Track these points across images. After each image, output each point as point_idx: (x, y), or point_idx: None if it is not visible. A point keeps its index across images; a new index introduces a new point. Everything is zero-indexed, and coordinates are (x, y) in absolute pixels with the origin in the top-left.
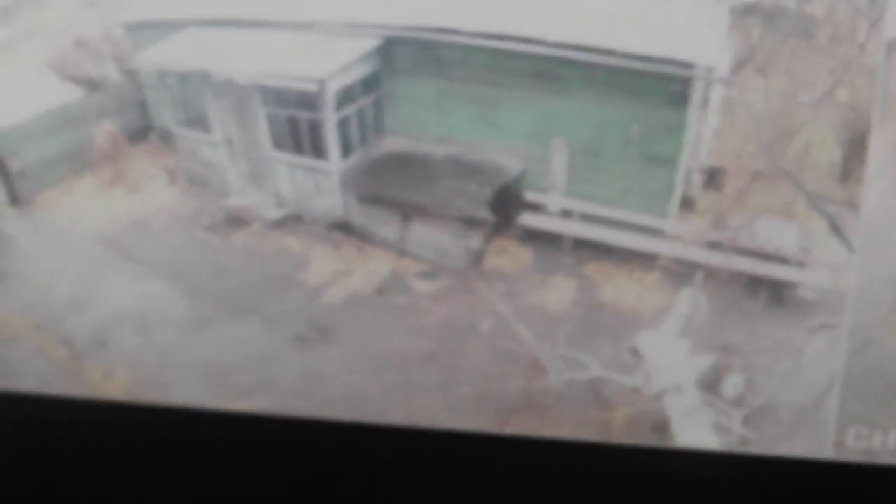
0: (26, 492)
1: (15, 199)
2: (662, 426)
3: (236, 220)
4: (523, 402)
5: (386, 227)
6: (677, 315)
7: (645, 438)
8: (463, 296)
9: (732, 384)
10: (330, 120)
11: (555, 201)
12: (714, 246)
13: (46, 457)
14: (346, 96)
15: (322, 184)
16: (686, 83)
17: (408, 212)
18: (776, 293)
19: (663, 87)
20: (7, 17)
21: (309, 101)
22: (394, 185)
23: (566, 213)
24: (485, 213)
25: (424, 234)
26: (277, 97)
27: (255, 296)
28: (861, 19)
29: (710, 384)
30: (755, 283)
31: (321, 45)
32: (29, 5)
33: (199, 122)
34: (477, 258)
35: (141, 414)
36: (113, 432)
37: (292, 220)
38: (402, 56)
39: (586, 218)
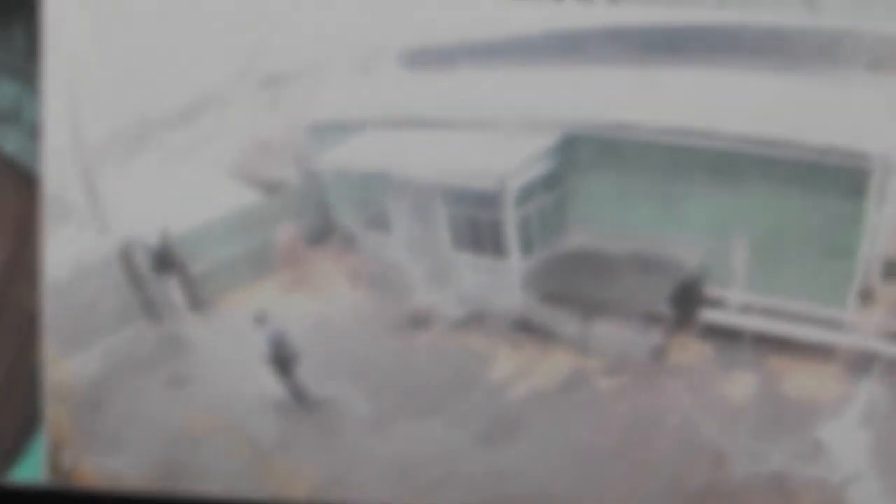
0: None
1: (196, 303)
2: None
3: (419, 320)
4: (708, 494)
5: (567, 324)
6: (858, 405)
7: None
8: (646, 391)
9: None
10: (510, 218)
11: (735, 296)
12: (894, 336)
13: None
14: (526, 193)
15: (503, 283)
16: (864, 173)
17: (590, 309)
18: None
19: (841, 178)
20: (188, 120)
21: (489, 200)
22: (575, 284)
23: (746, 307)
24: (666, 309)
25: (606, 331)
26: (457, 196)
27: (439, 394)
28: None
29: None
30: None
31: (501, 143)
32: (210, 108)
33: (380, 222)
34: (659, 354)
35: None
36: None
37: (475, 319)
38: (582, 152)
39: (766, 311)
